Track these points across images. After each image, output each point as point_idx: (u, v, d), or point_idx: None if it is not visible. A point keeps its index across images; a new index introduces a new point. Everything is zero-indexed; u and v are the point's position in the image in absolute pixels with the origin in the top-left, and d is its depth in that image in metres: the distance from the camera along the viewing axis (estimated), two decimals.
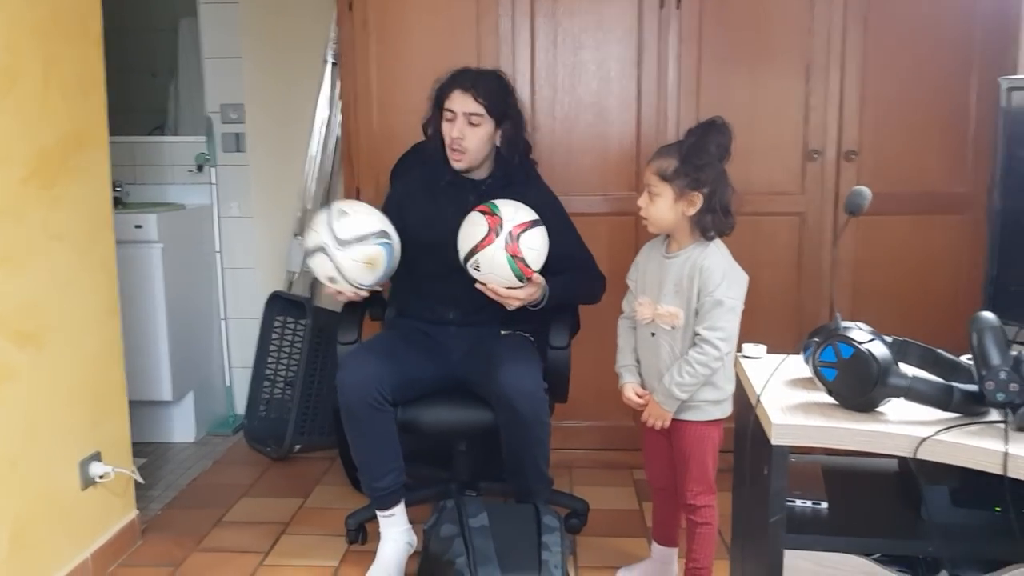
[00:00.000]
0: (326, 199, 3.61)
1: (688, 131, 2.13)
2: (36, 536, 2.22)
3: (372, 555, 2.54)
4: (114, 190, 2.74)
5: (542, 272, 2.39)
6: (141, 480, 2.69)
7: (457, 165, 2.47)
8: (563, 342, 2.50)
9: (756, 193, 3.07)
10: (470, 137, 2.43)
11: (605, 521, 2.78)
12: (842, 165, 3.04)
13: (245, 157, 3.71)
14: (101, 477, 2.45)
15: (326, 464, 3.29)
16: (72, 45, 2.36)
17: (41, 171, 2.21)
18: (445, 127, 2.46)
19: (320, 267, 2.35)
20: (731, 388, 2.12)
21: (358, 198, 3.17)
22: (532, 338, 2.55)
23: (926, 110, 3.02)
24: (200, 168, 3.70)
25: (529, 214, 2.35)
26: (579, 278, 2.55)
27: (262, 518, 2.88)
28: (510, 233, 2.30)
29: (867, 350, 1.23)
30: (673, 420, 2.15)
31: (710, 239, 2.09)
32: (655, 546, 2.41)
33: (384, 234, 2.36)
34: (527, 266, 2.31)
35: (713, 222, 2.05)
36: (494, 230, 2.30)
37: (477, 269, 2.32)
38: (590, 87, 3.10)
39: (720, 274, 2.03)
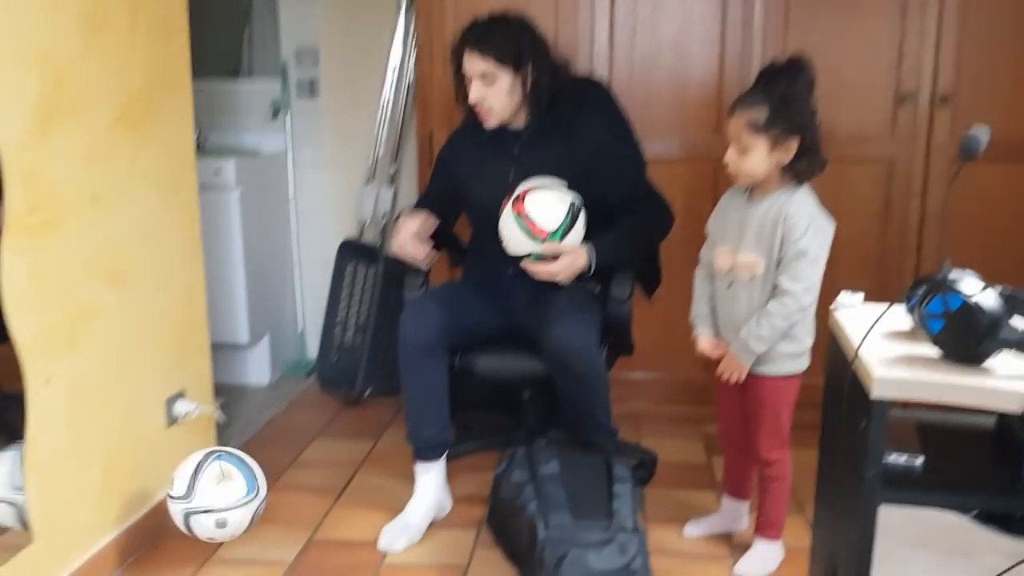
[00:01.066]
0: (398, 146, 3.60)
1: (765, 72, 2.03)
2: (125, 470, 2.29)
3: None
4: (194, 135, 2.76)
5: (594, 230, 2.36)
6: (223, 418, 2.75)
7: (488, 125, 2.42)
8: (623, 294, 2.46)
9: (842, 139, 2.96)
10: (490, 96, 2.35)
11: (673, 474, 2.77)
12: (936, 110, 2.92)
13: (319, 103, 3.71)
14: (185, 415, 2.51)
15: (396, 408, 3.33)
16: None
17: (128, 114, 2.24)
18: (469, 89, 2.39)
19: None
20: (810, 341, 2.08)
21: (430, 144, 3.16)
22: (597, 288, 2.52)
23: None
24: (275, 114, 3.72)
25: (552, 183, 2.32)
26: (632, 226, 2.45)
27: (335, 459, 2.94)
28: (518, 194, 2.27)
29: (977, 301, 1.19)
30: (748, 374, 2.11)
31: (801, 183, 2.01)
32: (725, 499, 2.40)
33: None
34: (535, 225, 2.26)
35: (808, 166, 1.97)
36: (509, 196, 2.29)
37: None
38: (671, 27, 3.02)
39: (805, 222, 1.95)
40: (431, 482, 2.46)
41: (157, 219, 2.40)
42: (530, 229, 2.27)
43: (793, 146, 1.94)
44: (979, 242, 2.95)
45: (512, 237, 2.31)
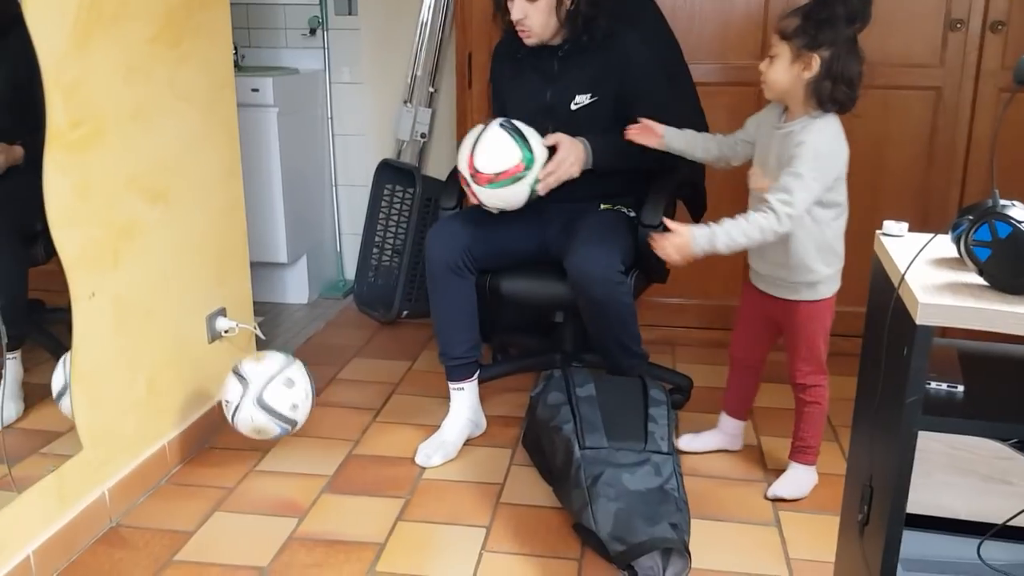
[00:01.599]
0: (436, 66, 3.56)
1: None
2: (169, 382, 2.35)
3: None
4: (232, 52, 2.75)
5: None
6: (263, 336, 2.80)
7: (528, 42, 2.41)
8: (655, 220, 2.42)
9: (890, 65, 2.90)
10: (532, 14, 2.35)
11: (707, 398, 2.78)
12: (987, 36, 2.83)
13: (357, 21, 3.66)
14: (226, 332, 2.56)
15: (432, 330, 3.36)
16: None
17: (167, 29, 2.23)
18: (509, 8, 2.37)
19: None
20: (828, 269, 2.08)
21: (469, 65, 3.12)
22: (634, 213, 2.50)
23: None
24: (313, 32, 3.68)
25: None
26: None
27: (373, 378, 2.99)
28: (470, 174, 2.34)
29: None
30: (780, 299, 2.14)
31: (826, 111, 1.98)
32: (724, 417, 2.45)
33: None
34: (507, 170, 2.28)
35: (832, 92, 1.93)
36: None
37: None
38: None
39: (813, 152, 1.94)
40: (464, 400, 2.50)
41: (197, 137, 2.41)
42: (508, 178, 2.28)
43: (814, 63, 1.92)
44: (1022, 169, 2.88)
45: (506, 198, 2.33)
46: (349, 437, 2.58)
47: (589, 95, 2.43)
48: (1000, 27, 2.81)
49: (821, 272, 2.09)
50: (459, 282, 2.41)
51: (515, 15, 2.35)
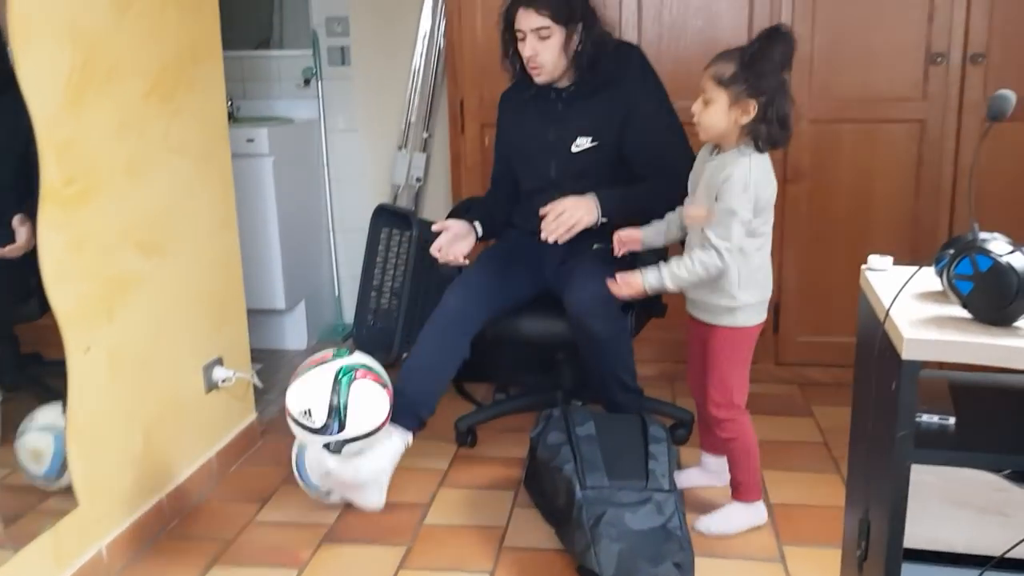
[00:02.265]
0: (429, 112, 3.61)
1: (752, 41, 2.03)
2: (166, 435, 2.35)
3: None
4: (226, 105, 2.79)
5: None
6: (260, 384, 2.80)
7: (539, 79, 2.45)
8: (651, 256, 2.45)
9: (874, 99, 2.95)
10: (543, 52, 2.40)
11: None
12: (968, 69, 2.87)
13: (350, 70, 3.72)
14: (223, 381, 2.56)
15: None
16: None
17: (161, 85, 2.26)
18: (520, 47, 2.43)
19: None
20: (748, 297, 2.10)
21: (461, 110, 3.16)
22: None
23: None
24: (307, 82, 3.74)
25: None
26: (647, 188, 2.46)
27: None
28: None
29: (1007, 262, 1.18)
30: (700, 322, 2.18)
31: (760, 150, 2.01)
32: (703, 454, 2.44)
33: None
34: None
35: (768, 133, 1.97)
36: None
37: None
38: None
39: (742, 184, 1.98)
40: (384, 451, 2.28)
41: (192, 189, 2.43)
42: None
43: (751, 108, 1.95)
44: (1012, 200, 2.91)
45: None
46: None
47: (590, 139, 2.47)
48: (980, 59, 2.85)
49: (740, 298, 2.09)
50: (460, 339, 2.41)
51: (527, 52, 2.40)
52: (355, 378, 2.15)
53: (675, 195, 2.41)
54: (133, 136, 2.16)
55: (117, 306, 2.12)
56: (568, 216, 2.36)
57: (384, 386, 2.22)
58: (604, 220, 2.41)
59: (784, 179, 3.01)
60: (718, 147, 2.08)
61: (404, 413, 2.33)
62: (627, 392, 2.49)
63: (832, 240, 3.04)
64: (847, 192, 3.03)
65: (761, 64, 1.94)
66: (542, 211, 2.39)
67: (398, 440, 2.32)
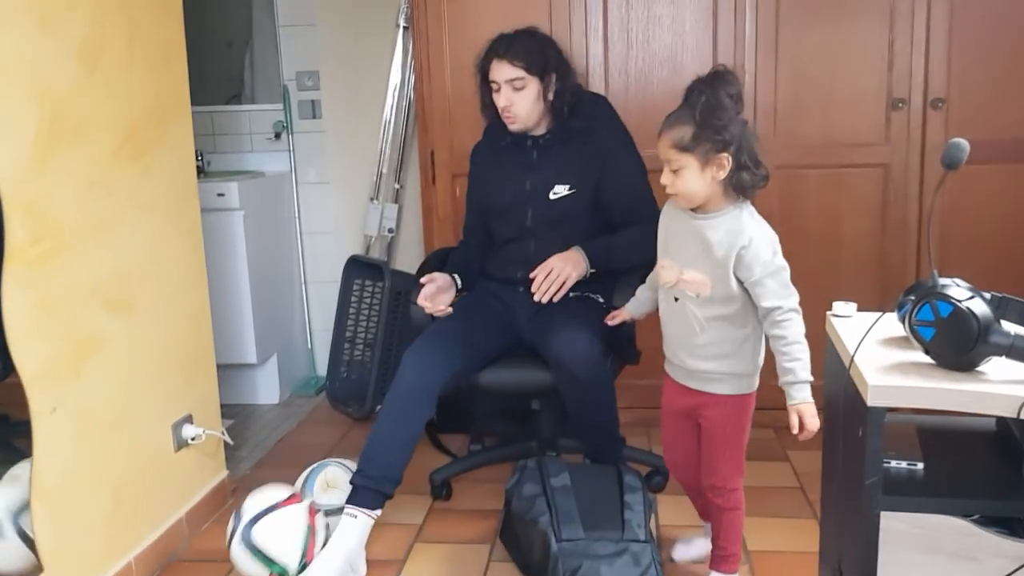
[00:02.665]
0: (400, 163, 3.64)
1: (690, 88, 1.89)
2: (135, 496, 2.31)
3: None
4: (196, 159, 2.79)
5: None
6: (230, 441, 2.77)
7: (513, 128, 2.48)
8: (626, 303, 2.46)
9: (838, 145, 3.00)
10: (518, 102, 2.43)
11: None
12: (929, 114, 2.94)
13: (321, 123, 3.75)
14: (193, 439, 2.53)
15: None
16: (153, 17, 2.40)
17: (130, 143, 2.26)
18: (495, 98, 2.46)
19: None
20: (761, 359, 1.99)
21: (432, 162, 3.19)
22: (602, 299, 2.53)
23: (1017, 52, 2.89)
24: (278, 136, 3.76)
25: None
26: (627, 237, 2.46)
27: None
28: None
29: (967, 308, 1.19)
30: (702, 393, 2.01)
31: (749, 197, 1.89)
32: (705, 524, 2.31)
33: None
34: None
35: (750, 178, 1.84)
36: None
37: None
38: (664, 41, 3.04)
39: (767, 242, 1.87)
40: (351, 533, 2.25)
41: (161, 245, 2.42)
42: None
43: (726, 162, 1.83)
44: (976, 240, 2.98)
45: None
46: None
47: (568, 186, 2.48)
48: (940, 104, 2.92)
49: (737, 368, 1.98)
50: (419, 409, 2.32)
51: (501, 103, 2.43)
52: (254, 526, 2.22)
53: (651, 245, 2.41)
54: (101, 194, 2.15)
55: (84, 365, 2.09)
56: (557, 274, 2.38)
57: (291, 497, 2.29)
58: (592, 271, 2.42)
59: None
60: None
61: (367, 494, 2.28)
62: (612, 440, 2.48)
63: (802, 283, 3.00)
64: (815, 236, 3.07)
65: (717, 114, 1.82)
66: (532, 274, 2.40)
67: (363, 521, 2.27)
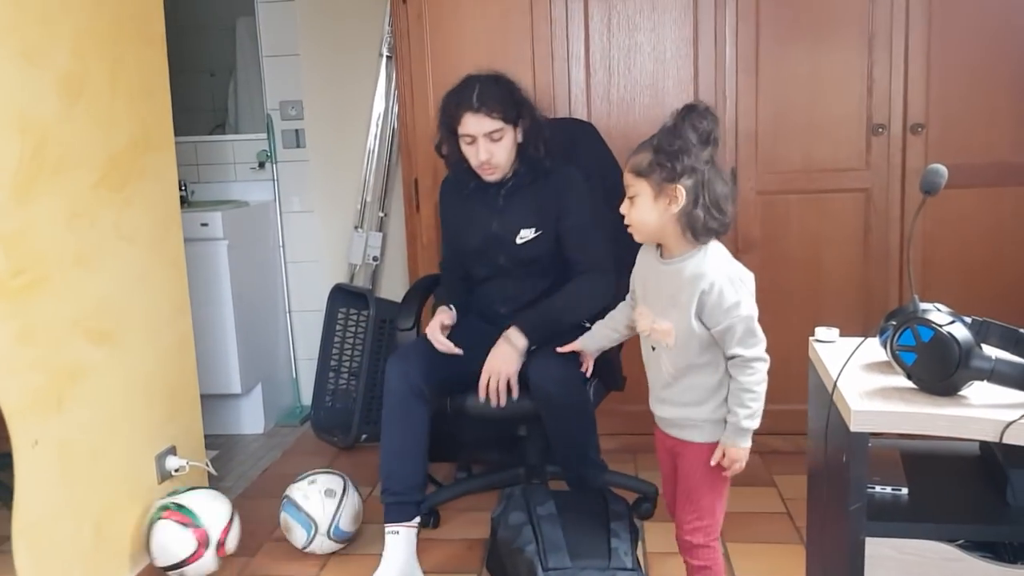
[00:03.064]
0: (384, 191, 3.65)
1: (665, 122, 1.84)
2: (117, 528, 2.29)
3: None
4: (179, 190, 2.79)
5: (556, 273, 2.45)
6: (214, 472, 2.75)
7: (492, 179, 2.45)
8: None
9: (820, 170, 3.02)
10: (498, 152, 2.40)
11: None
12: (908, 138, 2.96)
13: (305, 153, 3.76)
14: (177, 470, 2.51)
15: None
16: (136, 48, 2.41)
17: (111, 174, 2.26)
18: (468, 151, 2.41)
19: None
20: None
21: (416, 190, 3.20)
22: (587, 323, 2.51)
23: (995, 77, 2.92)
24: (262, 165, 3.76)
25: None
26: (568, 297, 2.42)
27: None
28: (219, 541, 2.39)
29: (948, 332, 1.20)
30: (676, 439, 1.91)
31: (701, 241, 1.78)
32: None
33: None
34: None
35: (705, 221, 1.74)
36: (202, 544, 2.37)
37: None
38: (646, 69, 3.06)
39: (732, 288, 1.75)
40: (398, 548, 2.32)
41: (144, 276, 2.41)
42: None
43: (679, 194, 1.74)
44: (956, 263, 2.99)
45: None
46: (307, 572, 2.51)
47: (533, 229, 2.47)
48: (920, 129, 2.95)
49: (718, 414, 1.85)
50: (416, 411, 2.34)
51: (481, 156, 2.38)
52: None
53: (601, 295, 2.39)
54: (84, 225, 2.15)
55: (67, 397, 2.08)
56: (496, 379, 2.33)
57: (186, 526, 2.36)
58: (533, 348, 2.37)
59: (736, 250, 3.07)
60: (659, 248, 1.87)
61: (399, 509, 2.33)
62: (593, 467, 2.47)
63: (785, 309, 3.08)
64: (798, 261, 3.09)
65: (676, 144, 1.74)
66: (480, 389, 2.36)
67: (406, 534, 2.33)
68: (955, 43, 2.91)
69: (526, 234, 2.46)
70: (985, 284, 2.97)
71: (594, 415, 2.45)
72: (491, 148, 2.38)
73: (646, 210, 1.78)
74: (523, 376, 2.37)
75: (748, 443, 1.79)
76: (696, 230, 1.75)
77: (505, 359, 2.34)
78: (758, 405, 1.76)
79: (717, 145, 1.78)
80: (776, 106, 3.01)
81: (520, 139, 2.44)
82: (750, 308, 1.76)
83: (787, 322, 3.09)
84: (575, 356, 2.34)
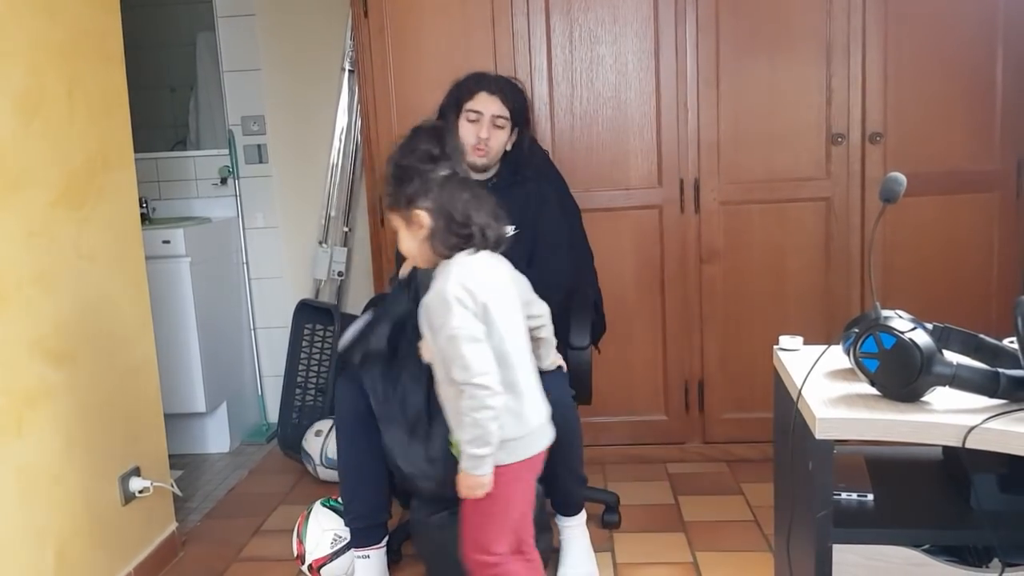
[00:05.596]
0: (348, 206, 3.64)
1: None
2: (80, 552, 2.24)
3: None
4: (140, 207, 2.76)
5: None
6: (179, 493, 2.71)
7: (479, 162, 2.48)
8: (583, 342, 2.48)
9: (781, 180, 3.05)
10: (495, 138, 2.48)
11: (642, 516, 2.78)
12: (867, 148, 3.01)
13: (268, 168, 3.74)
14: (141, 492, 2.47)
15: None
16: (94, 65, 2.38)
17: (70, 193, 2.23)
18: (468, 128, 2.47)
19: None
20: (512, 431, 1.78)
21: (380, 204, 3.18)
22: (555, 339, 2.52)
23: (951, 87, 2.97)
24: (224, 181, 3.73)
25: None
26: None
27: None
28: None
29: (910, 339, 1.22)
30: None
31: (448, 257, 1.77)
32: None
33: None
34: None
35: (446, 236, 1.75)
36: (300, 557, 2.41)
37: None
38: (608, 81, 3.08)
39: (444, 307, 1.71)
40: (372, 572, 2.31)
41: (104, 296, 2.38)
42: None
43: (423, 219, 1.74)
44: (916, 269, 3.03)
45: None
46: None
47: (513, 228, 2.49)
48: (878, 138, 2.99)
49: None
50: (368, 434, 2.23)
51: (481, 133, 2.45)
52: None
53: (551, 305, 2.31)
54: (41, 245, 2.11)
55: (27, 419, 2.04)
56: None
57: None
58: None
59: (700, 259, 3.10)
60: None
61: (366, 533, 2.31)
62: (579, 483, 2.45)
63: (749, 317, 3.11)
64: (760, 270, 3.12)
65: (400, 171, 1.76)
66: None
67: (376, 556, 2.32)
68: (911, 54, 2.97)
69: (507, 230, 2.47)
70: (944, 289, 3.02)
71: (581, 431, 2.41)
72: (491, 131, 2.47)
73: (407, 240, 1.78)
74: None
75: (481, 471, 1.72)
76: (447, 246, 1.75)
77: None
78: (480, 432, 1.69)
79: (452, 157, 1.78)
80: (737, 117, 3.05)
81: (509, 147, 2.52)
82: (458, 329, 1.69)
83: (751, 330, 3.13)
84: (564, 373, 2.34)
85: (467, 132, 2.47)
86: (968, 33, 2.95)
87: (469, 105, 2.47)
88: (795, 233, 3.09)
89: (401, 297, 2.15)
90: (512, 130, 2.52)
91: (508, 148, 2.53)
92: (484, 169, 2.52)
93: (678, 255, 3.11)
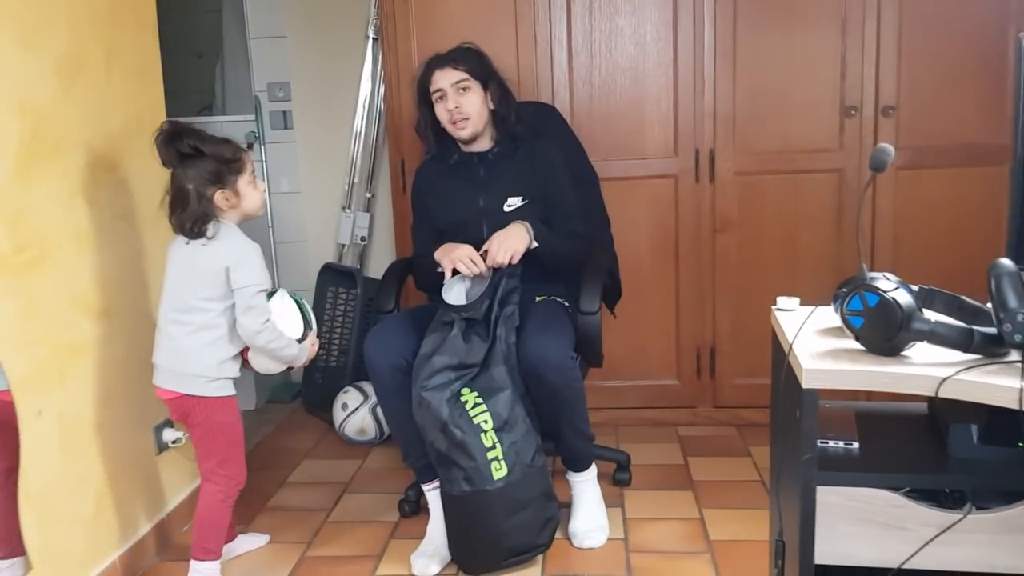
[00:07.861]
0: (371, 172, 3.73)
1: None
2: (117, 498, 2.37)
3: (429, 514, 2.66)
4: None
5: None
6: None
7: (464, 133, 2.53)
8: (593, 307, 2.52)
9: (794, 151, 3.11)
10: (466, 103, 2.50)
11: (652, 475, 2.88)
12: (880, 121, 3.06)
13: (293, 134, 3.83)
14: (173, 442, 2.60)
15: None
16: (129, 32, 2.48)
17: (107, 155, 2.34)
18: (439, 108, 2.53)
19: None
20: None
21: (403, 170, 3.28)
22: (566, 303, 2.58)
23: (964, 61, 3.01)
24: (250, 146, 3.83)
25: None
26: (562, 237, 2.55)
27: (324, 479, 3.03)
28: None
29: (892, 298, 1.30)
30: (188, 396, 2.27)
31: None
32: None
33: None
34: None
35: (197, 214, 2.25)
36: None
37: None
38: (626, 52, 3.15)
39: None
40: (438, 500, 2.45)
41: (140, 254, 2.50)
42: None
43: (219, 196, 2.29)
44: (928, 241, 3.09)
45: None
46: (301, 540, 2.61)
47: (521, 198, 2.55)
48: (891, 111, 3.04)
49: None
50: (405, 382, 2.37)
51: (450, 105, 2.49)
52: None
53: (579, 250, 2.59)
54: (82, 205, 2.23)
55: (68, 370, 2.16)
56: (507, 244, 2.40)
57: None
58: (536, 245, 2.45)
59: (714, 229, 3.18)
60: None
61: (428, 470, 2.45)
62: (584, 440, 2.51)
63: (761, 286, 3.17)
64: (773, 240, 3.18)
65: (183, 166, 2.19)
66: (484, 247, 2.42)
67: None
68: (925, 28, 3.01)
69: (514, 202, 2.54)
70: (954, 261, 3.06)
71: (583, 390, 2.51)
72: (459, 99, 2.49)
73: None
74: (516, 356, 2.43)
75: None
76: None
77: (515, 233, 2.42)
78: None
79: (200, 155, 2.18)
80: (752, 89, 3.10)
81: (492, 105, 2.54)
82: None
83: (763, 298, 3.17)
84: (567, 335, 2.42)
85: (441, 112, 2.52)
86: (981, 8, 2.99)
87: (431, 88, 2.52)
88: (808, 204, 3.15)
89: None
90: (485, 89, 2.53)
91: (493, 107, 2.55)
92: (474, 138, 2.56)
93: (693, 224, 3.19)
